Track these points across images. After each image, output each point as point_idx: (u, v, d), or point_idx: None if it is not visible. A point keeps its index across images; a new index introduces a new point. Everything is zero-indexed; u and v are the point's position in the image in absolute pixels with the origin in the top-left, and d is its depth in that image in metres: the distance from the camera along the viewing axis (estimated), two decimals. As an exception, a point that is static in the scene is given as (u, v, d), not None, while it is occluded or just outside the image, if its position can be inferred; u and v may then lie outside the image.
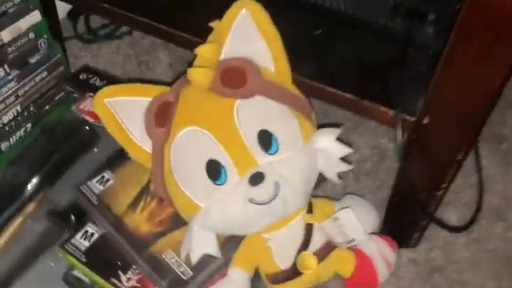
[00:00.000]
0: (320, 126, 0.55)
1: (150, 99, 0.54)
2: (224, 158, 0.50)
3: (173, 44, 0.67)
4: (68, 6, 0.86)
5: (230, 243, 0.55)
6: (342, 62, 0.56)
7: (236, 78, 0.51)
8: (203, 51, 0.51)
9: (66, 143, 0.67)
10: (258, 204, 0.49)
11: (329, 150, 0.52)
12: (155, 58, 0.85)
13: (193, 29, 0.59)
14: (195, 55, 0.53)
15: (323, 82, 0.54)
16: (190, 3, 0.63)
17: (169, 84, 0.56)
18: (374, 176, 0.70)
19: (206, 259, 0.53)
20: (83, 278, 0.57)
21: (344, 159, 0.53)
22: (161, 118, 0.53)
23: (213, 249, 0.52)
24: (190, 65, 0.52)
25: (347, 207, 0.53)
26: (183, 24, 0.61)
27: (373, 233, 0.57)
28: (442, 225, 0.60)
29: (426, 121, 0.48)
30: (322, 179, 0.65)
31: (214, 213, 0.51)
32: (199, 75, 0.51)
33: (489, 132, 0.73)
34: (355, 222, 0.52)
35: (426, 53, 0.54)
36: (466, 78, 0.43)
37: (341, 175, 0.54)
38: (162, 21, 0.62)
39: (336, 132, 0.52)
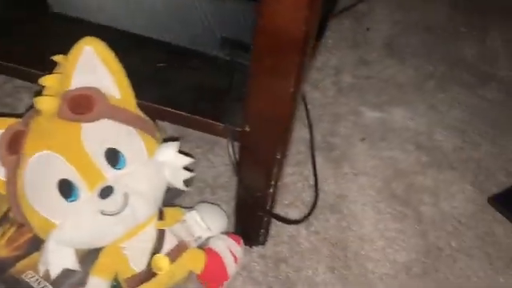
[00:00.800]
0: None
1: (2, 131, 0.58)
2: (74, 177, 0.55)
3: (33, 84, 0.71)
4: None
5: (91, 256, 0.59)
6: (182, 88, 0.65)
7: (83, 105, 0.56)
8: (47, 81, 0.57)
9: None
10: (109, 215, 0.55)
11: (172, 161, 0.59)
12: (18, 99, 0.88)
13: (48, 66, 0.64)
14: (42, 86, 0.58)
15: (165, 104, 0.62)
16: (43, 44, 0.69)
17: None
18: (227, 189, 0.78)
19: (66, 273, 0.56)
20: None
21: (186, 168, 0.61)
22: (13, 146, 0.57)
23: (70, 263, 0.56)
24: (38, 95, 0.58)
25: (193, 210, 0.61)
26: (41, 63, 0.65)
27: (223, 233, 0.66)
28: (280, 219, 0.70)
29: (247, 129, 0.58)
30: (178, 194, 0.72)
31: (67, 227, 0.55)
32: (45, 103, 0.56)
33: (323, 141, 0.86)
34: (199, 221, 0.60)
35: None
36: (265, 89, 0.53)
37: (187, 183, 0.62)
38: (20, 62, 0.66)
39: (176, 145, 0.60)
